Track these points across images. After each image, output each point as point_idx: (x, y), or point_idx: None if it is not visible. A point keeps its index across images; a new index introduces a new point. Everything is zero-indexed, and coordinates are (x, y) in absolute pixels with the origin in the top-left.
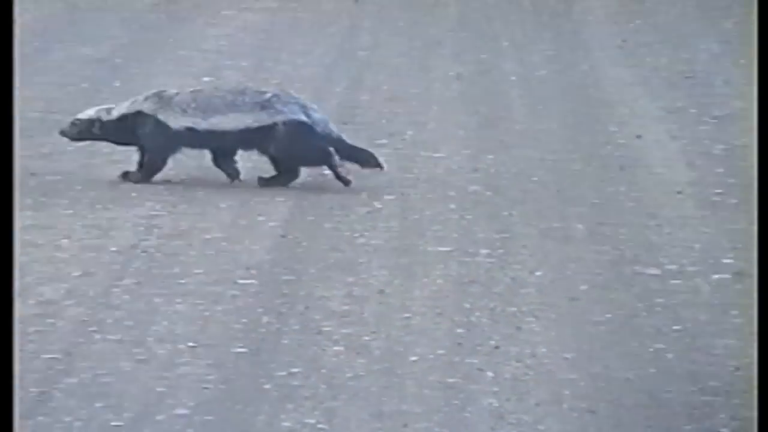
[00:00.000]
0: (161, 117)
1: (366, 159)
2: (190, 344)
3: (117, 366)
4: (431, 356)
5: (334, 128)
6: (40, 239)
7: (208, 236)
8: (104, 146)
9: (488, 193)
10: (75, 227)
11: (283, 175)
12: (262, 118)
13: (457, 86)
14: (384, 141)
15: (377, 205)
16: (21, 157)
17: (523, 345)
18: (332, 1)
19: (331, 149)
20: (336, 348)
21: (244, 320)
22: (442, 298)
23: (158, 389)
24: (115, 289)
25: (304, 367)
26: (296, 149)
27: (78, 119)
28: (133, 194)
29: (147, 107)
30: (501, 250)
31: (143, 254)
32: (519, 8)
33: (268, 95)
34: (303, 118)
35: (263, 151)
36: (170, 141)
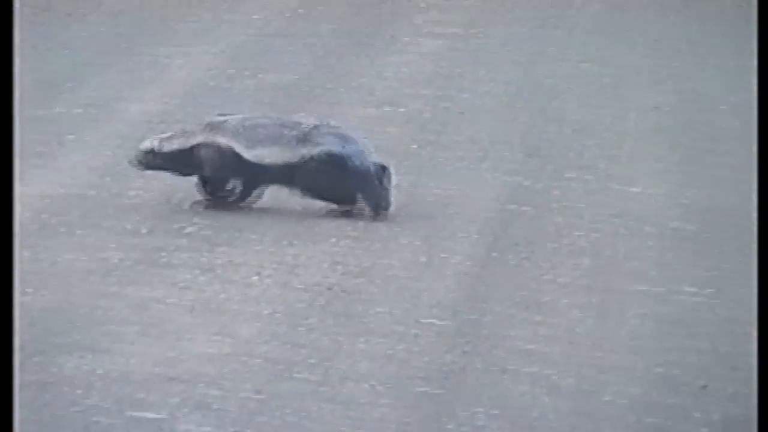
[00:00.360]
0: (220, 141)
1: (374, 205)
2: (372, 383)
3: (303, 405)
4: (627, 396)
5: (372, 163)
6: (235, 276)
7: (390, 273)
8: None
9: (692, 228)
10: (264, 264)
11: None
12: (300, 154)
13: (655, 117)
14: (572, 174)
15: (565, 241)
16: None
17: (738, 384)
18: (517, 27)
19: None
20: (522, 387)
21: (426, 359)
22: (640, 337)
23: (342, 429)
24: (301, 328)
25: (488, 407)
26: (322, 183)
27: (140, 150)
28: (317, 229)
29: (205, 137)
30: (710, 289)
31: (327, 291)
32: (727, 30)
33: (308, 128)
34: (337, 149)
35: (291, 184)
36: (230, 166)
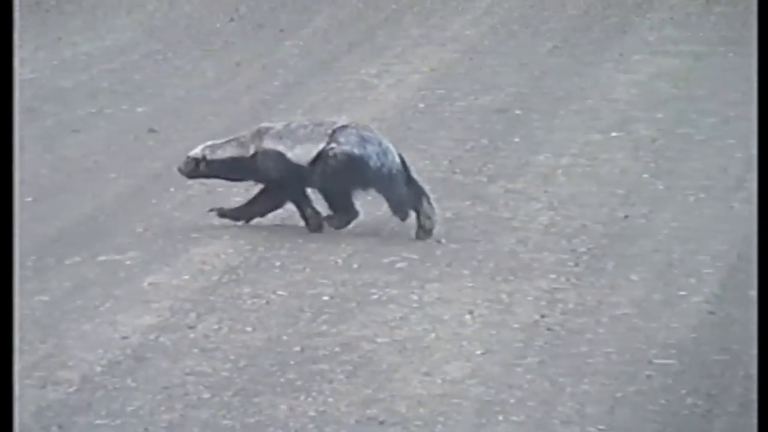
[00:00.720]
0: (281, 149)
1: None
2: (600, 427)
3: None
4: None
5: (395, 164)
6: (446, 314)
7: (618, 312)
8: (505, 209)
9: None
10: (477, 301)
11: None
12: (321, 149)
13: None
14: None
15: None
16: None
17: None
18: None
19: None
20: None
21: (662, 401)
22: None
23: None
24: (518, 368)
25: None
26: (337, 183)
27: (188, 157)
28: (535, 265)
29: (268, 143)
30: None
31: (547, 332)
32: None
33: (337, 125)
34: (355, 150)
35: (312, 184)
36: (292, 173)
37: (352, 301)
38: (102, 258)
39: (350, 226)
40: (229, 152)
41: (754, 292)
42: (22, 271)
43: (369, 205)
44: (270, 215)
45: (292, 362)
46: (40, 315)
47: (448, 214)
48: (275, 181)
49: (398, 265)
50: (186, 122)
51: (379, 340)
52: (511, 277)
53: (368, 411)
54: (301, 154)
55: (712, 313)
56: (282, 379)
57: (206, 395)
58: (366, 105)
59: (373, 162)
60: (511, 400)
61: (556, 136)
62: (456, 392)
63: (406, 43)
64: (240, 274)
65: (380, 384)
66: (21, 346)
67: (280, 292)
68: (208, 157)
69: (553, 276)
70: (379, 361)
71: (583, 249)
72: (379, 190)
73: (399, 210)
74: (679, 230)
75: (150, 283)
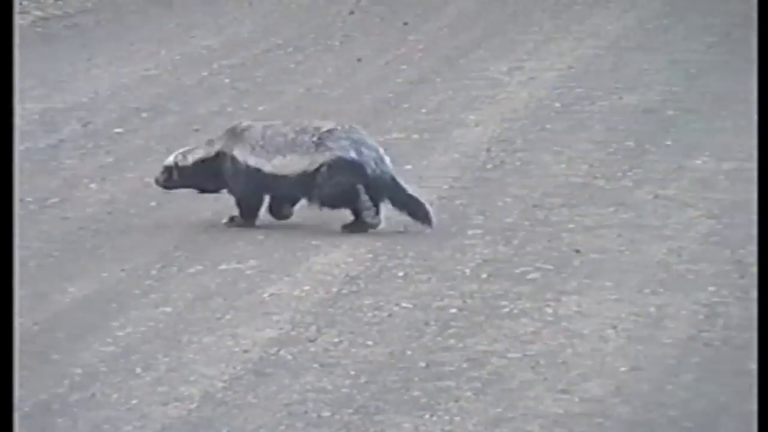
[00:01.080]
0: (237, 154)
1: (417, 211)
2: None
3: None
4: None
5: (389, 169)
6: (586, 329)
7: None
8: (654, 217)
9: None
10: (622, 315)
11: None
12: (316, 160)
13: None
14: None
15: None
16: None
17: None
18: None
19: (360, 190)
20: None
21: None
22: None
23: None
24: (670, 386)
25: None
26: (331, 188)
27: (164, 165)
28: (689, 277)
29: (223, 145)
30: None
31: (705, 347)
32: None
33: (323, 130)
34: (350, 155)
35: (308, 196)
36: (252, 180)
37: (481, 314)
38: (223, 267)
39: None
40: (197, 155)
41: None
42: (147, 280)
43: (498, 211)
44: (393, 220)
45: (416, 378)
46: (163, 327)
47: (588, 222)
48: (241, 196)
49: (531, 276)
50: None
51: (510, 355)
52: (662, 290)
53: (498, 431)
54: (283, 165)
55: None
56: (405, 397)
57: (326, 413)
58: (496, 104)
59: (373, 168)
60: (662, 421)
61: (717, 139)
62: (597, 411)
63: (539, 38)
64: (361, 284)
65: (511, 402)
66: (146, 360)
67: (403, 304)
68: (180, 164)
69: (712, 288)
70: (509, 377)
71: (750, 259)
72: (383, 197)
73: (364, 221)
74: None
75: (271, 294)
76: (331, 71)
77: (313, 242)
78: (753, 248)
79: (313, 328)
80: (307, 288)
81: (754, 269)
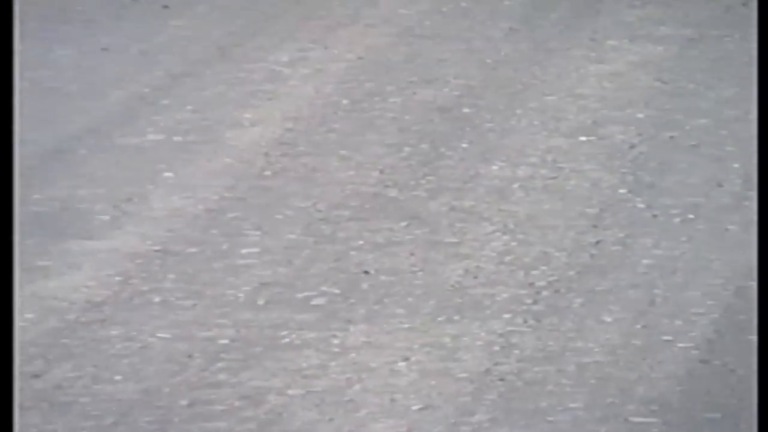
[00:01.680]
0: None
1: None
2: None
3: None
4: None
5: None
6: (375, 362)
7: (586, 359)
8: (450, 235)
9: None
10: (414, 346)
11: None
12: None
13: None
14: None
15: None
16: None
17: None
18: None
19: None
20: None
21: None
22: None
23: None
24: (464, 427)
25: None
26: None
27: None
28: (486, 302)
29: None
30: None
31: (500, 382)
32: None
33: None
34: None
35: None
36: None
37: (257, 345)
38: None
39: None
40: None
41: (754, 337)
42: None
43: (278, 225)
44: (149, 237)
45: (176, 419)
46: None
47: (379, 238)
48: None
49: (315, 302)
50: None
51: (290, 392)
52: (457, 317)
53: None
54: None
55: (703, 361)
56: None
57: None
58: (276, 100)
59: None
60: None
61: (512, 141)
62: None
63: (327, 24)
64: (106, 311)
65: None
66: None
67: (160, 335)
68: None
69: (507, 316)
70: (290, 417)
71: (543, 282)
72: None
73: None
74: (662, 259)
75: None
76: (67, 62)
77: (40, 262)
78: (545, 269)
79: (39, 361)
80: (30, 317)
81: (546, 293)
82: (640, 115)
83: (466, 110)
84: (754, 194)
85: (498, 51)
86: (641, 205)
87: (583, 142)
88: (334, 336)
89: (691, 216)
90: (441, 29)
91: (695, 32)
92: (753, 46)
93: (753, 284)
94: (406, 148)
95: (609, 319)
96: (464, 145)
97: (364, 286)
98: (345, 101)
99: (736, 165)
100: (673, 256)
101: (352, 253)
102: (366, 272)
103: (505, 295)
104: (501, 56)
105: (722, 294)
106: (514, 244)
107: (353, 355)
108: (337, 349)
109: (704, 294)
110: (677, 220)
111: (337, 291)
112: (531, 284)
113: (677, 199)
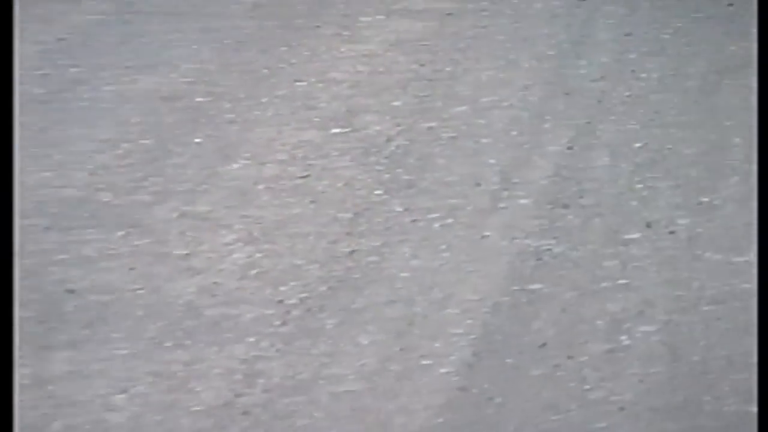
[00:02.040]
0: None
1: None
2: None
3: None
4: None
5: None
6: (86, 393)
7: (340, 389)
8: (180, 246)
9: None
10: (136, 375)
11: None
12: None
13: None
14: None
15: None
16: None
17: None
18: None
19: None
20: None
21: None
22: None
23: None
24: None
25: None
26: None
27: None
28: (226, 323)
29: None
30: None
31: (243, 416)
32: None
33: None
34: None
35: None
36: None
37: None
38: None
39: None
40: None
41: (512, 360)
42: None
43: None
44: None
45: None
46: None
47: (89, 251)
48: None
49: None
50: None
51: None
52: (189, 342)
53: None
54: None
55: (462, 389)
56: None
57: None
58: None
59: None
60: None
61: (256, 135)
62: None
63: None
64: None
65: None
66: None
67: None
68: None
69: (251, 339)
70: None
71: (293, 300)
72: None
73: None
74: (421, 271)
75: None
76: None
77: None
78: (295, 284)
79: None
80: None
81: (296, 312)
82: (397, 103)
83: (199, 99)
84: (515, 192)
85: (238, 29)
86: (399, 209)
87: (336, 134)
88: (25, 366)
89: (450, 220)
90: (167, 4)
91: (455, 5)
92: (516, 21)
93: (507, 299)
94: (124, 145)
95: (365, 342)
96: (197, 140)
97: (70, 307)
98: (40, 90)
99: (492, 161)
100: (432, 268)
101: (54, 269)
102: (71, 291)
103: (248, 316)
104: (242, 35)
105: (480, 311)
106: (259, 255)
107: (51, 387)
108: (28, 381)
109: (463, 311)
110: (437, 225)
111: (30, 314)
112: (279, 302)
113: (436, 201)
